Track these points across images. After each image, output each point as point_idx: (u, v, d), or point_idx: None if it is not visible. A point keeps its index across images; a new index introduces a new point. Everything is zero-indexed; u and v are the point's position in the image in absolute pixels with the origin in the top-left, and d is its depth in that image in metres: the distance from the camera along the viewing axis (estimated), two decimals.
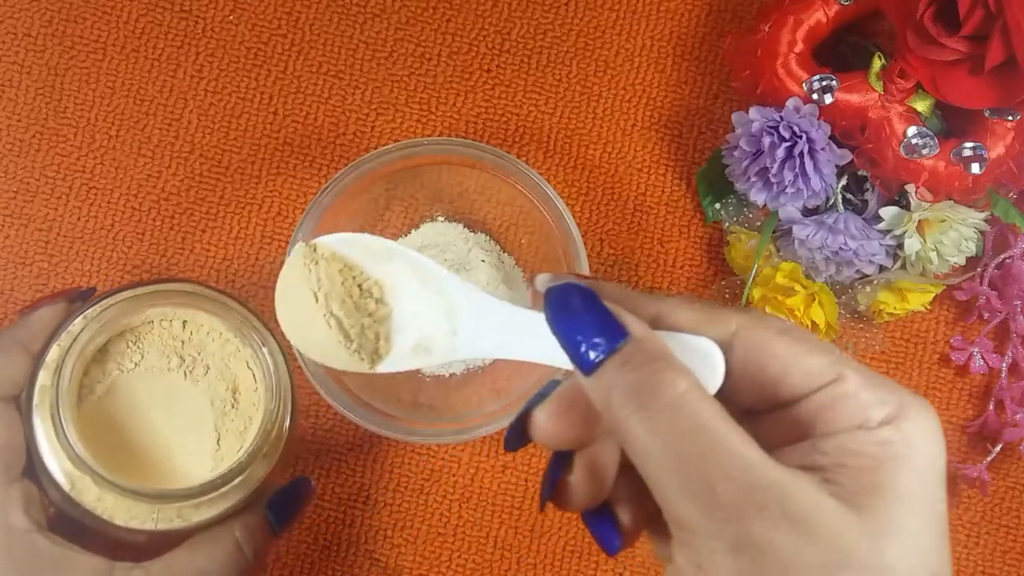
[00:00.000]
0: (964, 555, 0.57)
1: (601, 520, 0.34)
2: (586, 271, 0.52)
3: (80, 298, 0.46)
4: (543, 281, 0.33)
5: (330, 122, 0.58)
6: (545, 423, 0.33)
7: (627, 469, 0.32)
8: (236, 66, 0.58)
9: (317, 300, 0.38)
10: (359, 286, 0.37)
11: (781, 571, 0.28)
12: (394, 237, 0.56)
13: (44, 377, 0.43)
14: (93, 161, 0.57)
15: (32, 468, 0.43)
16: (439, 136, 0.58)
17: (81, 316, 0.44)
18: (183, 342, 0.46)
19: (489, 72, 0.58)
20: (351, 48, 0.58)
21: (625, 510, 0.34)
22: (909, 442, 0.30)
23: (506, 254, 0.56)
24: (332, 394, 0.51)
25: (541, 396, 0.33)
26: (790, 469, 0.29)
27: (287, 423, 0.46)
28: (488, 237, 0.57)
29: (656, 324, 0.32)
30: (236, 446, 0.45)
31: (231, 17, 0.58)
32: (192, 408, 0.45)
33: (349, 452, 0.56)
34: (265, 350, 0.45)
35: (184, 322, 0.46)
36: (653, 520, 0.33)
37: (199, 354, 0.46)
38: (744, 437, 0.29)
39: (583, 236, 0.52)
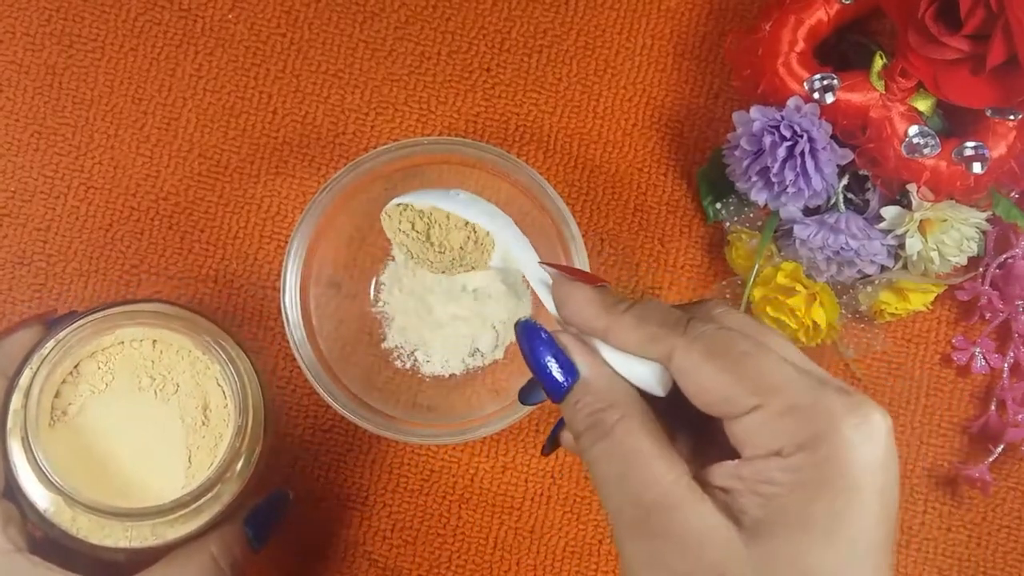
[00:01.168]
0: (966, 556, 0.56)
1: None
2: (587, 270, 0.52)
3: (58, 322, 0.46)
4: (546, 276, 0.38)
5: (329, 121, 0.58)
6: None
7: None
8: (235, 65, 0.58)
9: (415, 259, 0.42)
10: (447, 215, 0.41)
11: None
12: None
13: (17, 401, 0.44)
14: (91, 160, 0.57)
15: (12, 490, 0.44)
16: (439, 136, 0.58)
17: (53, 339, 0.45)
18: (153, 362, 0.47)
19: (489, 71, 0.58)
20: (350, 47, 0.58)
21: None
22: (822, 467, 0.30)
23: None
24: (332, 394, 0.51)
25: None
26: (699, 493, 0.31)
27: (260, 438, 0.46)
28: None
29: (607, 339, 0.35)
30: (207, 463, 0.46)
31: (230, 16, 0.58)
32: (163, 426, 0.46)
33: (348, 452, 0.56)
34: (231, 368, 0.45)
35: (154, 341, 0.47)
36: None
37: (169, 373, 0.46)
38: (665, 460, 0.32)
39: (583, 236, 0.52)
